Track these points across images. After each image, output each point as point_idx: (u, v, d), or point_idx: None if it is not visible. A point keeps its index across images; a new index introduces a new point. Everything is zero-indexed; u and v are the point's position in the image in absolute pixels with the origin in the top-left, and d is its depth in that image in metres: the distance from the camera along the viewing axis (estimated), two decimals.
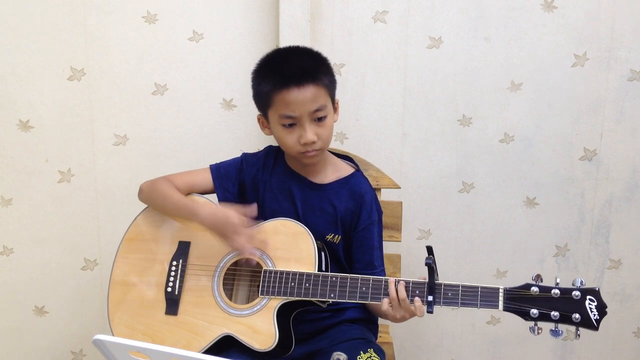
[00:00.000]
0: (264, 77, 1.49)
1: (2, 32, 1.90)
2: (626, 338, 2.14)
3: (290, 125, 1.46)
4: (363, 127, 1.99)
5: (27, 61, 1.92)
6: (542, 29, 1.92)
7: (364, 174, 1.64)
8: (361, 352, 1.46)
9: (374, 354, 1.48)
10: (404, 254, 1.91)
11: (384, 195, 1.84)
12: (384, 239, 1.64)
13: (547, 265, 2.08)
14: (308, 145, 1.45)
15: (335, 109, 1.53)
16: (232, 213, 1.43)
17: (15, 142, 1.97)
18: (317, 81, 1.45)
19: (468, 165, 2.01)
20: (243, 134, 1.99)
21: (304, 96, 1.42)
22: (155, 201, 1.56)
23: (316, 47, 1.60)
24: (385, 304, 1.36)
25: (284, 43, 1.83)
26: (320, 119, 1.46)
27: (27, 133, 1.97)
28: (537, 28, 1.92)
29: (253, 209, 1.47)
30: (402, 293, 1.34)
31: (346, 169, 1.60)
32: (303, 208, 1.54)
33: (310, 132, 1.44)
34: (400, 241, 1.82)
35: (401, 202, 1.83)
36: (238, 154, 1.64)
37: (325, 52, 1.55)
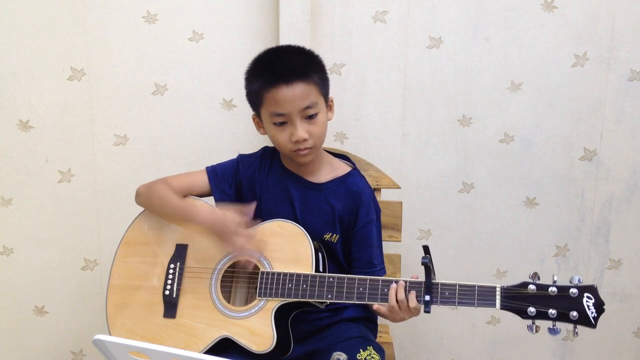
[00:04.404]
0: (255, 75, 1.51)
1: (2, 32, 1.90)
2: (626, 338, 2.14)
3: (282, 123, 1.46)
4: (363, 127, 1.99)
5: (27, 61, 1.92)
6: (542, 29, 1.92)
7: (364, 174, 1.64)
8: (360, 350, 1.46)
9: (373, 351, 1.48)
10: (404, 254, 1.91)
11: (384, 195, 1.84)
12: (383, 238, 1.65)
13: (547, 265, 2.08)
14: (300, 143, 1.45)
15: (329, 107, 1.54)
16: (231, 214, 1.43)
17: (15, 142, 1.97)
18: (307, 78, 1.45)
19: (468, 165, 2.01)
20: (243, 134, 1.99)
21: (292, 94, 1.43)
22: (153, 205, 1.56)
23: (316, 47, 1.60)
24: (382, 309, 1.36)
25: (283, 43, 1.82)
26: (311, 117, 1.46)
27: (27, 133, 1.97)
28: (537, 28, 1.92)
29: (251, 208, 1.47)
30: (413, 301, 1.33)
31: (343, 168, 1.60)
32: (300, 208, 1.54)
33: (301, 130, 1.44)
34: (400, 241, 1.82)
35: (401, 202, 1.83)
36: (237, 155, 1.64)
37: (325, 52, 1.56)
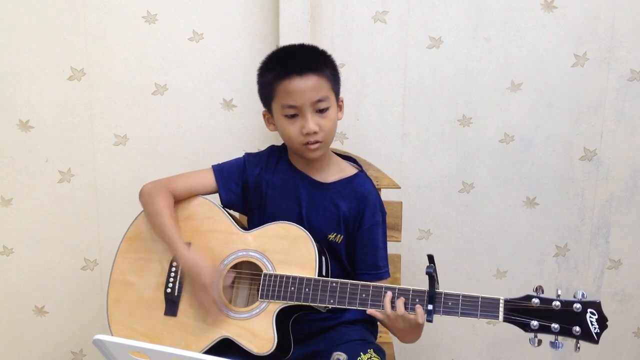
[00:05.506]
0: (268, 69, 1.51)
1: (2, 32, 1.90)
2: (626, 338, 2.13)
3: (293, 116, 1.46)
4: (363, 127, 1.99)
5: (27, 61, 1.92)
6: (542, 29, 1.92)
7: None
8: (361, 353, 1.46)
9: (373, 354, 1.48)
10: (404, 254, 1.91)
11: (384, 195, 1.84)
12: None
13: (547, 265, 2.08)
14: (310, 136, 1.46)
15: (340, 107, 1.54)
16: (207, 272, 1.42)
17: (15, 142, 1.97)
18: (319, 72, 1.46)
19: (468, 165, 2.01)
20: (243, 134, 1.99)
21: (305, 85, 1.44)
22: (148, 215, 1.54)
23: None
24: (378, 315, 1.36)
25: (284, 43, 1.83)
26: (322, 111, 1.47)
27: (27, 133, 1.97)
28: (537, 28, 1.92)
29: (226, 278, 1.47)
30: (401, 309, 1.33)
31: (350, 170, 1.60)
32: (307, 207, 1.54)
33: (311, 122, 1.45)
34: (400, 241, 1.82)
35: (401, 202, 1.83)
36: (238, 154, 1.64)
37: None
